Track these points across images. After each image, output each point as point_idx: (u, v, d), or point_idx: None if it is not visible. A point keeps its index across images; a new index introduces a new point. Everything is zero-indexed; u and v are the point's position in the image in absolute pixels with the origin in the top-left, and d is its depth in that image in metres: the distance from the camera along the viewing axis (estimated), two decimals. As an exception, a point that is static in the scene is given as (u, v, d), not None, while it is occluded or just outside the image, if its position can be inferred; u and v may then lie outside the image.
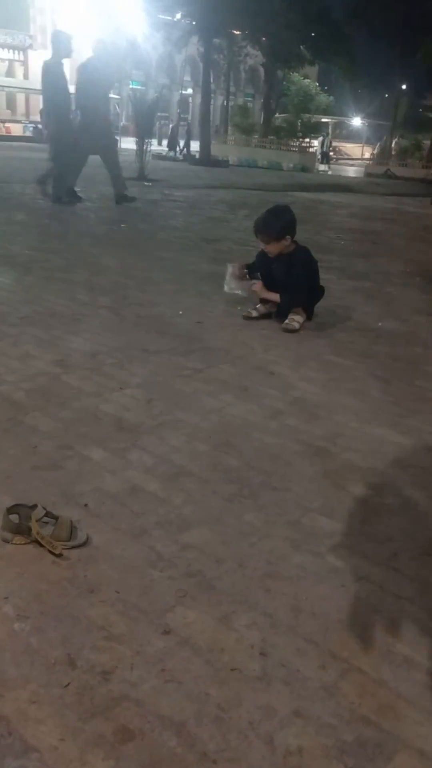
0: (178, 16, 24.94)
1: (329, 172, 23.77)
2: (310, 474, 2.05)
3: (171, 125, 27.69)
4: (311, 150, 25.33)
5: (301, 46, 27.09)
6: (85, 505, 1.76)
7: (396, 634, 1.39)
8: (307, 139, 27.48)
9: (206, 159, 21.17)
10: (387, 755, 1.11)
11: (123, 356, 2.96)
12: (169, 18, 25.45)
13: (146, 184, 11.59)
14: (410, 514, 1.85)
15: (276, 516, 1.80)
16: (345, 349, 3.37)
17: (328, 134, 30.72)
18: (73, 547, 1.55)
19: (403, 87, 33.49)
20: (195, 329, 3.49)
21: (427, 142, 29.63)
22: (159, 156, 20.86)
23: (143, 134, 12.62)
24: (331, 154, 30.83)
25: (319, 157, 26.72)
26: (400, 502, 1.92)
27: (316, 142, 28.57)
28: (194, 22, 22.31)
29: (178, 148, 24.69)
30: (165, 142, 28.78)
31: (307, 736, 1.13)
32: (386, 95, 34.59)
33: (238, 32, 26.79)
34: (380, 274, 5.46)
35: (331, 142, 28.75)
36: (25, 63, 33.11)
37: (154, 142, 16.90)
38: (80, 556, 1.55)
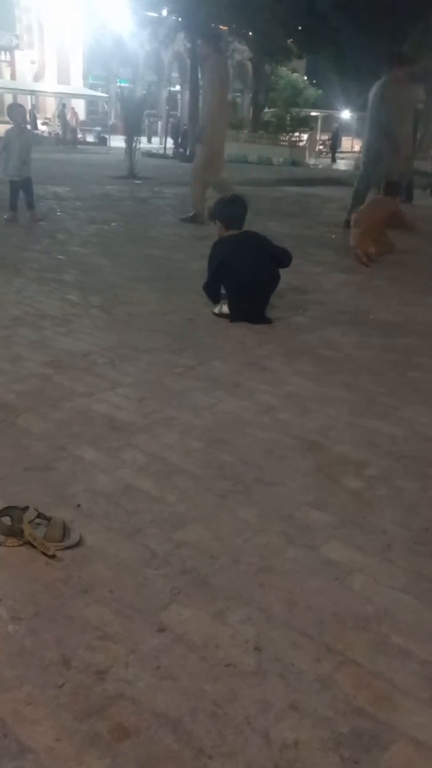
0: (165, 12, 24.85)
1: (319, 166, 23.75)
2: (303, 468, 2.06)
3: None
4: (300, 144, 25.26)
5: (288, 40, 27.02)
6: (78, 505, 1.76)
7: (390, 625, 1.39)
8: (297, 133, 27.40)
9: (196, 156, 21.10)
10: (383, 745, 1.11)
11: (115, 355, 2.96)
12: (155, 15, 25.36)
13: (136, 182, 11.57)
14: (403, 505, 1.86)
15: (270, 511, 1.81)
16: (337, 342, 3.37)
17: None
18: (66, 548, 1.55)
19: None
20: (186, 326, 3.48)
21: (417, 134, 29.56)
22: (149, 153, 20.79)
23: (132, 132, 12.58)
24: (320, 147, 30.76)
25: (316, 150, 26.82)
26: (392, 493, 1.92)
27: (305, 136, 28.51)
28: (180, 19, 22.21)
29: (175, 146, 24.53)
30: (154, 139, 28.70)
31: (303, 729, 1.14)
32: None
33: (224, 27, 26.70)
34: (372, 268, 5.45)
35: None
36: (11, 63, 32.93)
37: (144, 139, 16.85)
38: (74, 556, 1.55)
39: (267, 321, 3.62)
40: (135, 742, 1.09)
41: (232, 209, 3.76)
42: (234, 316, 3.57)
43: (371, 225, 5.60)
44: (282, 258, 3.70)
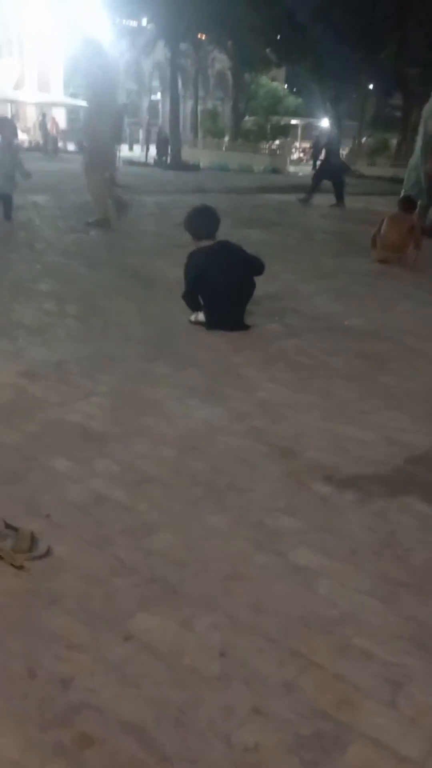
0: (145, 22, 24.99)
1: (299, 174, 23.95)
2: (274, 474, 2.08)
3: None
4: (278, 152, 25.48)
5: (267, 50, 27.31)
6: (48, 515, 1.76)
7: (354, 628, 1.42)
8: (277, 141, 27.65)
9: (177, 163, 21.20)
10: (342, 746, 1.13)
11: (90, 365, 2.96)
12: (135, 23, 25.49)
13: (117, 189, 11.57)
14: (370, 509, 1.89)
15: (240, 518, 1.82)
16: (312, 348, 3.41)
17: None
18: (33, 559, 1.55)
19: (370, 87, 33.81)
20: (163, 335, 3.50)
21: (394, 141, 29.99)
22: (130, 161, 20.83)
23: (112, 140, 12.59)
24: (301, 155, 31.00)
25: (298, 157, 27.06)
26: (360, 497, 1.95)
27: (278, 143, 28.71)
28: (159, 28, 22.34)
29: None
30: (136, 147, 28.74)
31: (265, 733, 1.15)
32: (354, 95, 34.89)
33: (203, 36, 26.91)
34: (349, 274, 5.52)
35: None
36: (-9, 74, 32.83)
37: (125, 147, 16.87)
38: (42, 567, 1.55)
39: (244, 328, 3.65)
40: (98, 751, 1.10)
41: (196, 221, 3.78)
42: (210, 324, 3.60)
43: (390, 242, 5.89)
44: (255, 266, 3.73)
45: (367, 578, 1.58)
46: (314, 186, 11.31)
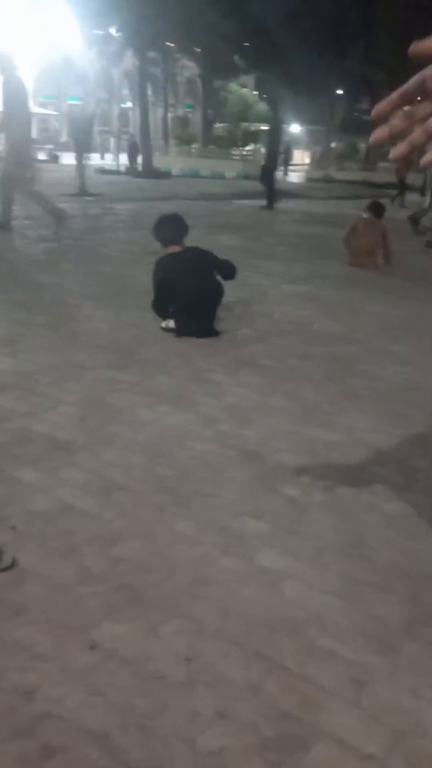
0: (114, 31, 25.00)
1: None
2: (241, 478, 2.09)
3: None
4: (249, 158, 25.66)
5: (235, 56, 27.54)
6: (13, 527, 1.75)
7: (320, 628, 1.43)
8: (248, 147, 27.83)
9: (149, 171, 21.21)
10: (306, 746, 1.14)
11: (59, 374, 2.95)
12: (102, 33, 25.49)
13: (87, 198, 11.55)
14: (337, 510, 1.91)
15: (206, 523, 1.83)
16: (282, 352, 3.44)
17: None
18: (-2, 571, 1.54)
19: (339, 92, 34.24)
20: (133, 343, 3.50)
21: (363, 145, 30.41)
22: (102, 170, 20.80)
23: (81, 149, 12.58)
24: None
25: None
26: (327, 498, 1.97)
27: (249, 148, 28.86)
28: (127, 36, 22.37)
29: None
30: (108, 156, 28.64)
31: (230, 736, 1.16)
32: (325, 100, 35.25)
33: (172, 44, 27.02)
34: (320, 278, 5.57)
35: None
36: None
37: (97, 156, 16.83)
38: (7, 578, 1.54)
39: (214, 333, 3.66)
40: (61, 760, 1.10)
41: (163, 228, 3.78)
42: (180, 331, 3.60)
43: (364, 247, 6.04)
44: (226, 271, 3.75)
45: (333, 579, 1.60)
46: (271, 192, 11.59)
